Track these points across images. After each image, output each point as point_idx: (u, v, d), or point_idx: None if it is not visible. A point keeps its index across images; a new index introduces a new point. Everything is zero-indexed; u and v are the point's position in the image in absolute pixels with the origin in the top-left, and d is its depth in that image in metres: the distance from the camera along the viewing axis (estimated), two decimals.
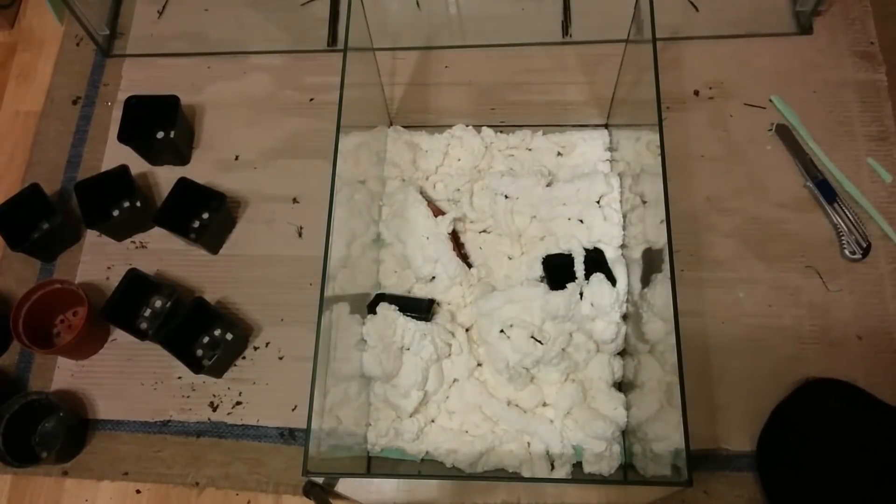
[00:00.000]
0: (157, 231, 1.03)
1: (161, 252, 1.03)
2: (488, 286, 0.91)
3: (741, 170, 1.00)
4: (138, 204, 1.02)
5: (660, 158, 0.72)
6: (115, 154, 1.08)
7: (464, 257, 0.95)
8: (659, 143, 0.73)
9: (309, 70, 1.12)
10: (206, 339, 0.95)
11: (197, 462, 0.91)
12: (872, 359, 0.89)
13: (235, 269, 1.01)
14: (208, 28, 1.17)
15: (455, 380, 0.89)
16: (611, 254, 0.90)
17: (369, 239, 0.93)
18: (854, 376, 0.88)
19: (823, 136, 1.00)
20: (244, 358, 0.96)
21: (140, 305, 0.98)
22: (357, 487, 0.83)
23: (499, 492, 0.86)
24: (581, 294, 0.85)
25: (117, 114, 1.10)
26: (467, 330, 0.91)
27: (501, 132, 1.03)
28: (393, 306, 0.87)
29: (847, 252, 0.94)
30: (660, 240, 0.72)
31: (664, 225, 0.70)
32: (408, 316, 0.87)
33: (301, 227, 1.02)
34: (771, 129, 1.02)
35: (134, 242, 1.04)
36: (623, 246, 0.90)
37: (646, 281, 0.80)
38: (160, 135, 1.05)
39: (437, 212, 0.95)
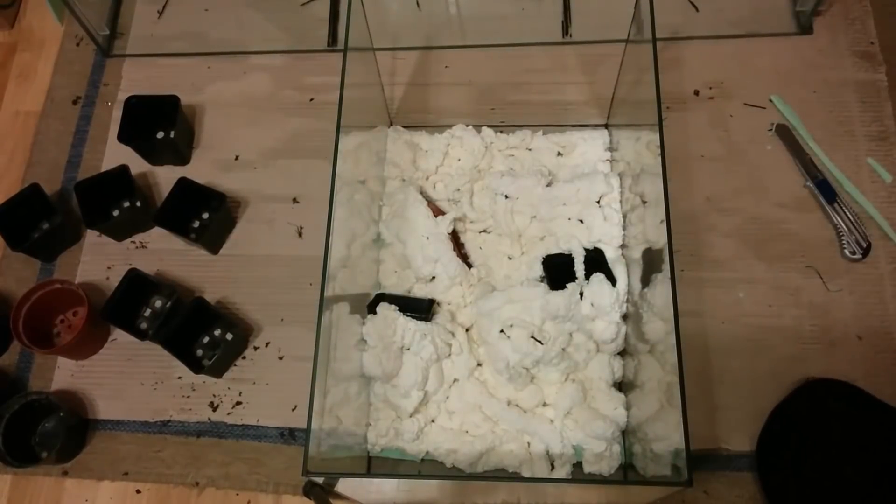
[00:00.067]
0: (157, 231, 1.03)
1: (161, 252, 1.03)
2: (488, 286, 0.91)
3: (741, 170, 1.00)
4: (138, 204, 1.02)
5: (660, 158, 0.72)
6: (115, 154, 1.08)
7: (464, 257, 0.95)
8: (659, 143, 0.73)
9: (309, 70, 1.12)
10: (206, 339, 0.95)
11: (197, 462, 0.91)
12: (872, 359, 0.89)
13: (235, 269, 1.01)
14: (208, 28, 1.17)
15: (455, 380, 0.89)
16: (611, 254, 0.90)
17: (369, 239, 0.93)
18: (854, 376, 0.88)
19: (823, 136, 1.00)
20: (244, 358, 0.96)
21: (140, 305, 0.98)
22: (357, 487, 0.83)
23: (499, 492, 0.85)
24: (581, 294, 0.85)
25: (117, 114, 1.10)
26: (467, 330, 0.91)
27: (501, 132, 1.03)
28: (393, 306, 0.87)
29: (847, 252, 0.94)
30: (660, 240, 0.72)
31: (664, 225, 0.70)
32: (408, 316, 0.87)
33: (301, 227, 1.02)
34: (771, 129, 1.02)
35: (134, 242, 1.04)
36: (623, 246, 0.90)
37: (646, 281, 0.80)
38: (160, 135, 1.05)
39: (437, 212, 0.95)
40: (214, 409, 0.93)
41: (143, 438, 0.93)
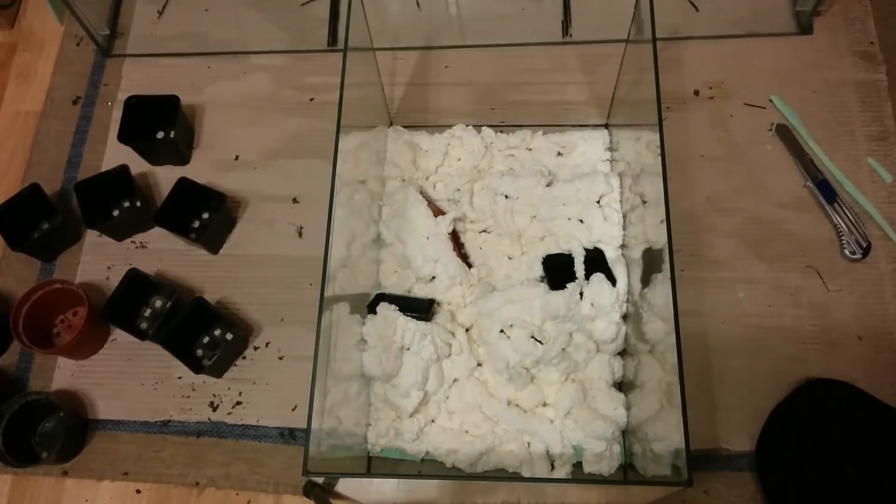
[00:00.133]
0: (157, 231, 1.03)
1: (161, 252, 1.03)
2: (488, 286, 0.91)
3: (741, 170, 1.00)
4: (138, 204, 1.02)
5: (660, 158, 0.72)
6: (115, 154, 1.08)
7: (464, 257, 0.95)
8: (659, 143, 0.73)
9: (309, 70, 1.12)
10: (206, 339, 0.95)
11: (197, 462, 0.91)
12: (872, 359, 0.89)
13: (235, 269, 1.01)
14: (208, 28, 1.17)
15: (455, 380, 0.89)
16: (611, 254, 0.90)
17: (369, 239, 0.93)
18: (854, 376, 0.88)
19: (823, 136, 1.00)
20: (244, 358, 0.96)
21: (140, 305, 0.98)
22: (357, 487, 0.83)
23: (499, 492, 0.86)
24: (581, 294, 0.85)
25: (117, 114, 1.10)
26: (467, 330, 0.91)
27: (501, 132, 1.03)
28: (393, 306, 0.87)
29: (847, 252, 0.94)
30: (660, 240, 0.72)
31: (664, 225, 0.70)
32: (408, 316, 0.87)
33: (301, 227, 1.02)
34: (771, 129, 1.02)
35: (134, 242, 1.04)
36: (623, 246, 0.90)
37: (646, 281, 0.80)
38: (160, 135, 1.05)
39: (437, 212, 0.95)
40: (214, 409, 0.93)
41: (143, 438, 0.93)
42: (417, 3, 1.15)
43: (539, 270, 0.90)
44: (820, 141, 1.00)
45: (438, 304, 0.91)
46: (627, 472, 0.85)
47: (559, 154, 1.01)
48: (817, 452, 0.82)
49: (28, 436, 0.92)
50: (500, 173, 0.97)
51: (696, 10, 1.10)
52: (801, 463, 0.82)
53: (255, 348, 0.96)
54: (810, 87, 1.04)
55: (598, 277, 0.86)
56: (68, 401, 0.95)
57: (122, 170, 1.02)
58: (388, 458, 0.89)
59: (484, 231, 0.98)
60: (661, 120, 0.73)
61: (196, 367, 0.91)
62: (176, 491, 0.91)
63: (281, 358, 0.95)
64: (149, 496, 0.91)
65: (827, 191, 0.96)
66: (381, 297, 0.89)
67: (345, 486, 0.81)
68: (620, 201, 0.92)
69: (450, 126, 1.03)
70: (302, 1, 1.17)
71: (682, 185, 0.99)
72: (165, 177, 1.07)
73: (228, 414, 0.93)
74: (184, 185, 1.00)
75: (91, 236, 1.05)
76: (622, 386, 0.88)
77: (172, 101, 1.04)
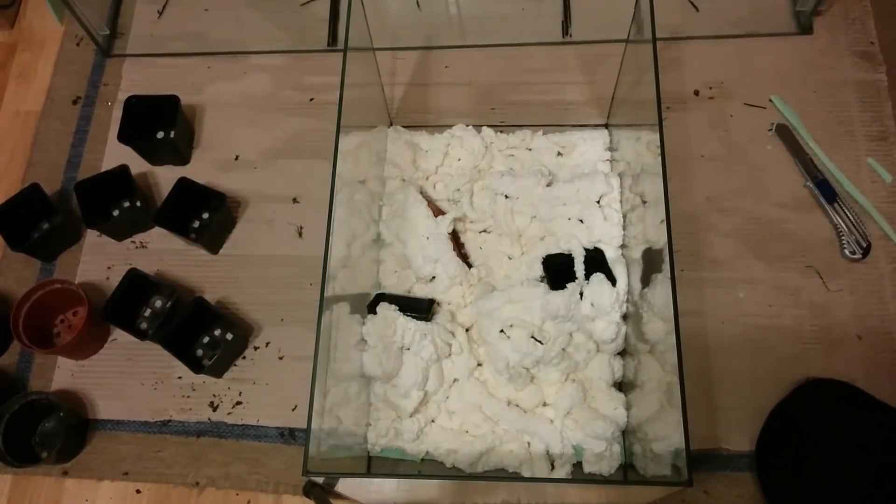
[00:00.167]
0: (157, 231, 1.04)
1: (161, 252, 1.03)
2: (488, 286, 0.91)
3: (741, 170, 1.00)
4: (138, 204, 1.02)
5: (660, 158, 0.72)
6: (115, 154, 1.08)
7: (464, 257, 0.95)
8: (659, 143, 0.73)
9: (309, 70, 1.12)
10: (206, 339, 0.95)
11: (197, 462, 0.91)
12: (872, 359, 0.89)
13: (235, 269, 1.01)
14: (208, 28, 1.17)
15: (455, 380, 0.89)
16: (611, 254, 0.90)
17: (369, 239, 0.93)
18: (854, 376, 0.88)
19: (823, 136, 1.00)
20: (244, 358, 0.96)
21: (140, 305, 0.98)
22: (357, 487, 0.83)
23: (499, 492, 0.85)
24: (581, 294, 0.85)
25: (117, 114, 1.10)
26: (467, 330, 0.91)
27: (501, 132, 1.03)
28: (393, 306, 0.87)
29: (847, 252, 0.94)
30: (660, 240, 0.72)
31: (664, 225, 0.70)
32: (408, 316, 0.87)
33: (301, 227, 1.02)
34: (771, 129, 1.02)
35: (134, 242, 1.04)
36: (623, 246, 0.90)
37: (646, 281, 0.80)
38: (160, 135, 1.05)
39: (437, 212, 0.95)
40: (214, 409, 0.93)
41: (143, 438, 0.93)
42: (417, 3, 1.15)
43: (539, 270, 0.90)
44: (820, 141, 1.00)
45: (438, 304, 0.91)
46: (627, 472, 0.85)
47: (559, 154, 1.01)
48: (817, 452, 0.82)
49: (28, 436, 0.92)
50: (500, 173, 0.97)
51: (696, 10, 1.10)
52: (801, 463, 0.82)
53: (255, 348, 0.96)
54: (810, 87, 1.04)
55: (598, 277, 0.86)
56: (68, 401, 0.95)
57: (122, 170, 1.02)
58: (388, 458, 0.89)
59: (484, 231, 0.98)
60: (661, 120, 0.73)
61: (196, 367, 0.91)
62: (176, 491, 0.91)
63: (281, 358, 0.95)
64: (149, 496, 0.91)
65: (827, 191, 0.96)
66: (381, 297, 0.89)
67: (345, 486, 0.81)
68: (620, 201, 0.92)
69: (450, 126, 1.03)
70: (302, 1, 1.17)
71: (682, 185, 0.99)
72: (165, 177, 1.07)
73: (228, 414, 0.93)
74: (184, 185, 1.00)
75: (91, 236, 1.05)
76: (622, 386, 0.88)
77: (172, 101, 1.04)
